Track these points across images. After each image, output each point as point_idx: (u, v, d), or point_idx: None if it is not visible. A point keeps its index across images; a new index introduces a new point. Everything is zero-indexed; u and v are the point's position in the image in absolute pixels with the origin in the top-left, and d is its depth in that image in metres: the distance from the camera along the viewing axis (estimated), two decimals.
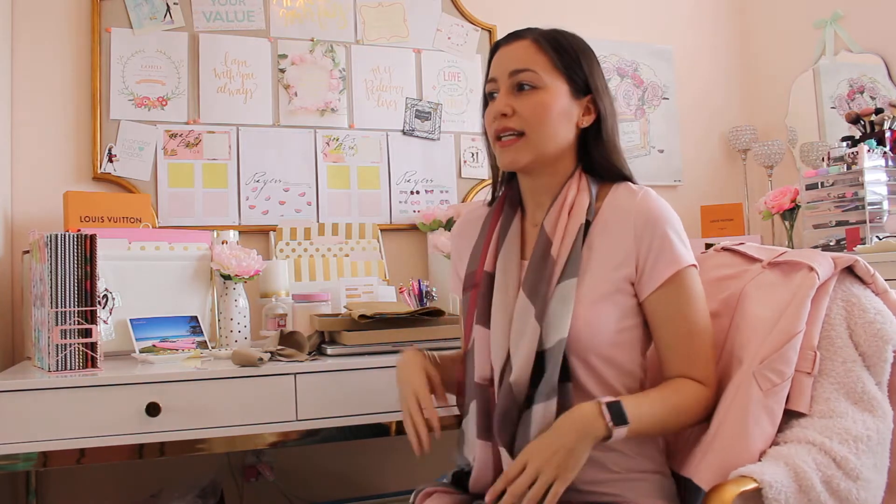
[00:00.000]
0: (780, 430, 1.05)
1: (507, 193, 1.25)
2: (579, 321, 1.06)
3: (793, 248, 2.23)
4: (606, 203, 1.14)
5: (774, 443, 1.04)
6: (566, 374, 1.05)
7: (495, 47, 1.19)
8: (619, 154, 1.18)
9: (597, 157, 1.17)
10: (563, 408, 1.03)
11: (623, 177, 1.18)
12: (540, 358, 1.05)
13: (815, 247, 2.18)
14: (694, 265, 1.11)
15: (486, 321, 1.13)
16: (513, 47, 1.15)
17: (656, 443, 1.14)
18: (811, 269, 1.09)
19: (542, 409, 1.03)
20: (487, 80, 1.18)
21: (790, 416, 1.06)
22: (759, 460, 1.01)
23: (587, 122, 1.16)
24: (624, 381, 1.10)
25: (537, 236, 1.14)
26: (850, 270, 1.13)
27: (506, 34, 1.19)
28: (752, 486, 0.95)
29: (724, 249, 1.32)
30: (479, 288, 1.16)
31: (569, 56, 1.15)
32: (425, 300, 2.06)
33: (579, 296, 1.07)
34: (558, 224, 1.12)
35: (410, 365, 1.22)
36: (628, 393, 1.10)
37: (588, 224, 1.11)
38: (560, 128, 1.13)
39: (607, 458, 1.07)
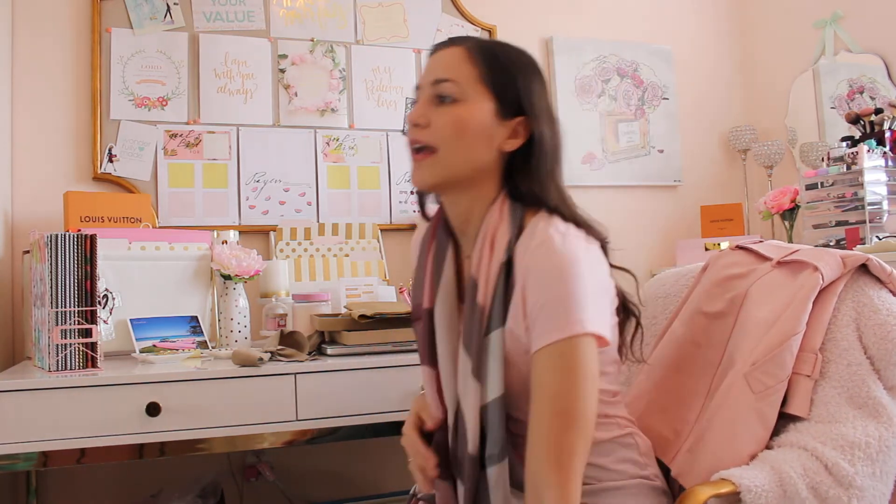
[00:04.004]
0: (777, 433, 1.03)
1: (441, 215, 1.11)
2: (510, 377, 0.96)
3: None
4: (523, 236, 0.98)
5: (768, 447, 1.01)
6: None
7: (431, 52, 1.08)
8: (548, 185, 1.01)
9: (519, 185, 1.02)
10: (512, 466, 0.97)
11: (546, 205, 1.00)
12: (483, 413, 0.97)
13: (816, 247, 2.18)
14: (590, 334, 0.90)
15: (430, 362, 1.07)
16: (443, 54, 1.04)
17: (637, 448, 1.06)
18: (816, 269, 1.06)
19: (495, 473, 0.96)
20: (416, 86, 1.07)
21: (788, 419, 1.03)
22: (749, 464, 0.99)
23: (512, 145, 1.02)
24: None
25: (468, 278, 1.03)
26: (865, 269, 1.08)
27: (443, 40, 1.08)
28: (729, 489, 0.92)
29: (739, 248, 1.28)
30: (423, 324, 1.08)
31: (502, 71, 1.02)
32: None
33: (507, 347, 0.96)
34: (481, 263, 1.00)
35: (409, 415, 1.14)
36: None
37: (510, 261, 0.97)
38: (476, 148, 1.00)
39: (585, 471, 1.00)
